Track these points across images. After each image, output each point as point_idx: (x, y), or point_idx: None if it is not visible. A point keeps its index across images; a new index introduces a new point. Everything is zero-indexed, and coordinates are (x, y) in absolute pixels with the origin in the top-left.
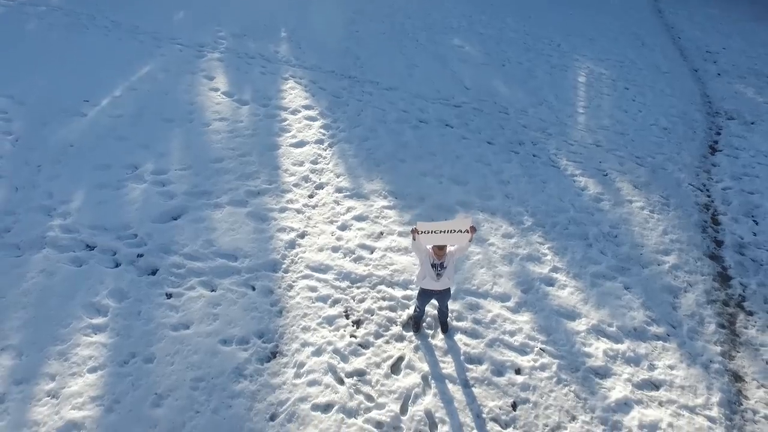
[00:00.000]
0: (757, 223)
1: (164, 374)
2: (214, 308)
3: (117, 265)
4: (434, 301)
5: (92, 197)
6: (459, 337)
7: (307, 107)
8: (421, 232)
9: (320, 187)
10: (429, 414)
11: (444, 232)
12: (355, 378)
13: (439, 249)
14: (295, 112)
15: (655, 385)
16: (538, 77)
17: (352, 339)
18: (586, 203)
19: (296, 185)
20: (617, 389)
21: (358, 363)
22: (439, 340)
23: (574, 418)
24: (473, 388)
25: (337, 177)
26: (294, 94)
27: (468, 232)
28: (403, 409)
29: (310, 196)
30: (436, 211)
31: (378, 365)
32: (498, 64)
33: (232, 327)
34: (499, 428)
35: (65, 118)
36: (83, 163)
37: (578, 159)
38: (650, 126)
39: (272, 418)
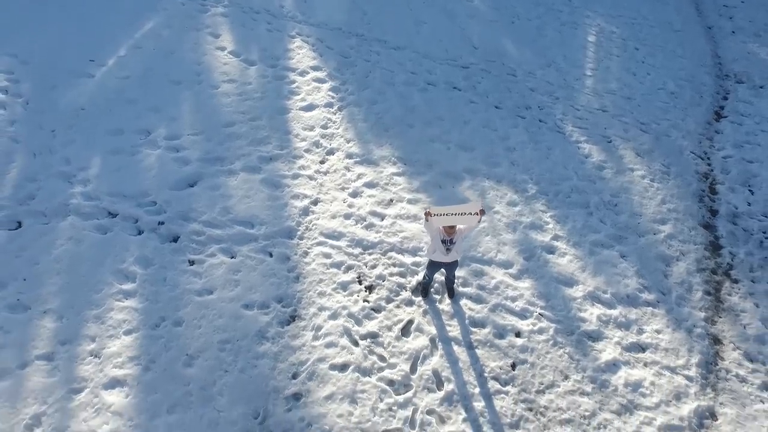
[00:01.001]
0: (752, 193)
1: (193, 336)
2: (234, 275)
3: (140, 233)
4: (443, 270)
5: (109, 163)
6: (464, 302)
7: (315, 68)
8: (434, 215)
9: (331, 152)
10: (436, 373)
11: (455, 215)
12: (368, 340)
13: (450, 228)
14: (303, 73)
15: (641, 348)
16: (547, 36)
17: (365, 303)
18: (589, 171)
19: (307, 150)
20: (607, 351)
21: (371, 326)
22: (446, 305)
23: (566, 378)
24: (476, 350)
25: (348, 142)
26: (302, 54)
27: (477, 214)
28: (413, 369)
29: (321, 162)
30: (444, 178)
31: (389, 328)
32: (507, 20)
33: (253, 292)
34: (499, 386)
35: (73, 79)
36: (96, 128)
37: (584, 125)
38: (657, 90)
39: (294, 376)
